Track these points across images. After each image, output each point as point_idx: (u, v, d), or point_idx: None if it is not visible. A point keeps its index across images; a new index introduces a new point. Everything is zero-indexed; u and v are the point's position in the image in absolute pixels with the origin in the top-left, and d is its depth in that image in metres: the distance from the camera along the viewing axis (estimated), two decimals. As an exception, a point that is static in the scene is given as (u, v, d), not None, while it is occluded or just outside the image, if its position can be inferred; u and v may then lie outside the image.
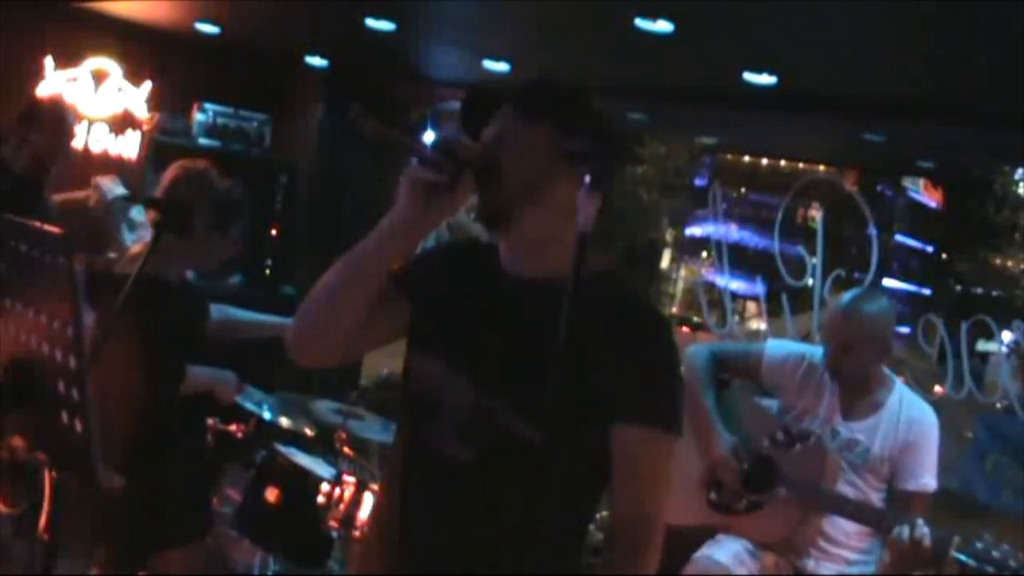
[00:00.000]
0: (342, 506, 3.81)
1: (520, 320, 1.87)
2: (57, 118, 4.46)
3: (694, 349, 3.53)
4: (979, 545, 2.86)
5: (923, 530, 2.90)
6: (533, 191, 1.83)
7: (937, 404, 3.72)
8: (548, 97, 1.93)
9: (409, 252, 1.89)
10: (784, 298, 6.03)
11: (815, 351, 3.40)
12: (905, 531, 2.92)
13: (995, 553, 2.85)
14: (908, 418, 3.23)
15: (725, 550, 3.30)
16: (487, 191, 1.83)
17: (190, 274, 3.61)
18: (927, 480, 3.21)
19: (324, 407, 4.37)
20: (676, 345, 1.90)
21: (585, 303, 1.60)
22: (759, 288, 6.60)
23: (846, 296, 3.36)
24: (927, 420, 3.26)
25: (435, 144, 1.81)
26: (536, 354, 1.80)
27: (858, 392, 3.27)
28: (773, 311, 6.29)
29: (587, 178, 1.64)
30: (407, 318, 1.97)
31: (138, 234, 4.26)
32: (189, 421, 3.33)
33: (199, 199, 3.11)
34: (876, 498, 3.23)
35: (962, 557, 2.86)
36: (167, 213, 2.98)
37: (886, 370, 3.32)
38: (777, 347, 3.52)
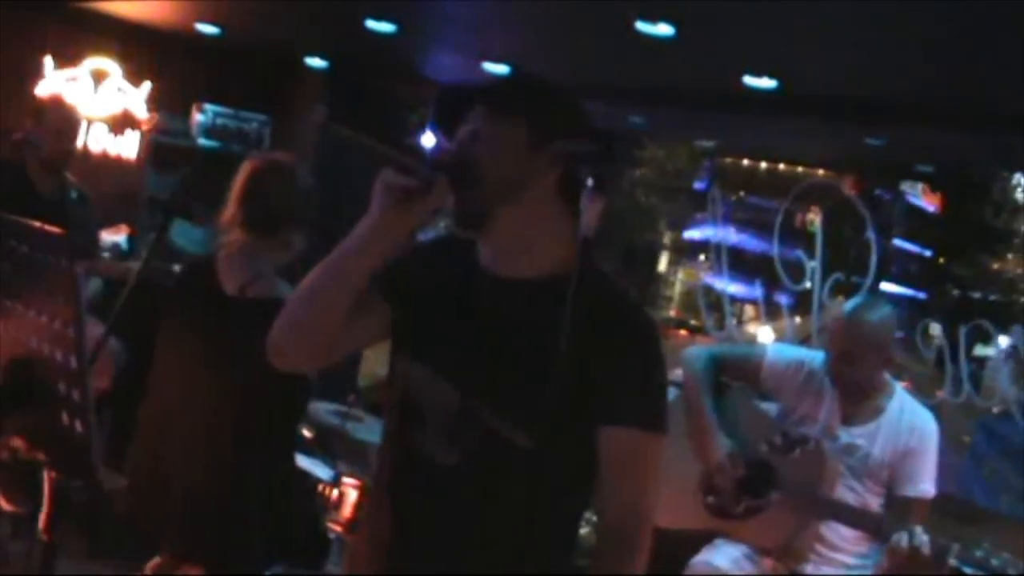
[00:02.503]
0: (341, 508, 3.80)
1: (501, 321, 1.85)
2: (63, 120, 4.47)
3: (693, 352, 3.52)
4: (978, 553, 2.86)
5: (922, 538, 2.90)
6: (509, 190, 1.81)
7: (935, 408, 3.72)
8: (522, 93, 1.90)
9: (387, 256, 1.86)
10: (783, 302, 6.03)
11: (815, 356, 3.40)
12: (904, 538, 2.91)
13: (994, 561, 2.85)
14: (909, 424, 3.23)
15: (723, 555, 3.30)
16: (462, 193, 1.80)
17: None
18: (926, 486, 3.21)
19: (322, 408, 4.36)
20: (661, 343, 1.89)
21: (571, 303, 1.60)
22: (758, 291, 6.59)
23: (848, 304, 3.36)
24: (927, 427, 3.25)
25: (407, 148, 1.78)
26: (519, 355, 1.81)
27: (859, 398, 3.27)
28: (772, 314, 6.29)
29: (590, 181, 1.64)
30: (387, 320, 1.95)
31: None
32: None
33: (288, 194, 2.94)
34: (875, 503, 3.23)
35: (961, 565, 2.86)
36: (250, 212, 2.88)
37: (887, 376, 3.32)
38: (777, 351, 3.52)
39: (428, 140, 7.23)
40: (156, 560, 3.03)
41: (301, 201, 2.98)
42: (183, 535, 2.93)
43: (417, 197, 1.78)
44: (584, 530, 2.08)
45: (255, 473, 2.92)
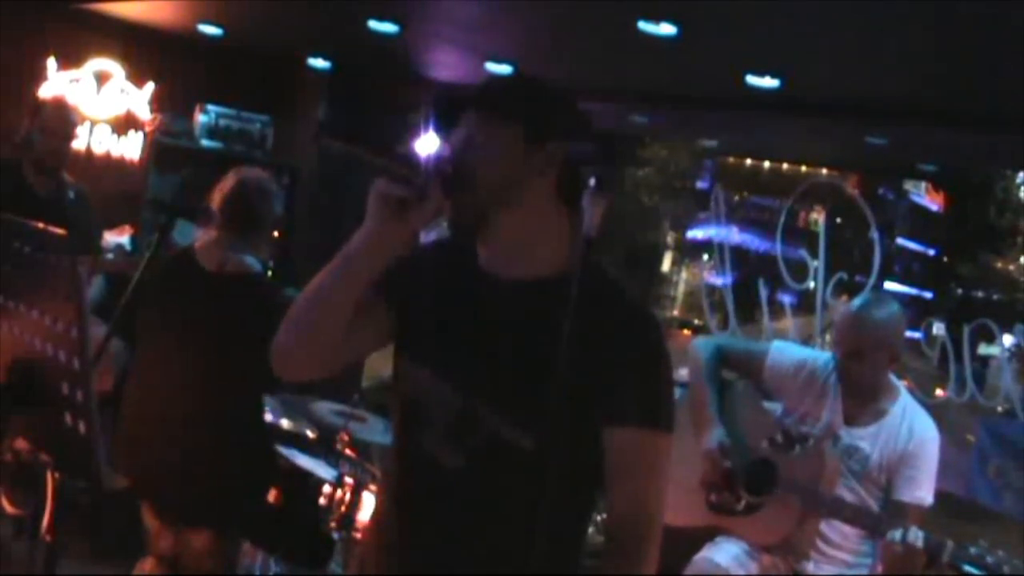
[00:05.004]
0: (343, 508, 3.81)
1: (503, 322, 1.85)
2: (56, 119, 4.46)
3: (700, 341, 3.55)
4: (973, 550, 2.85)
5: (917, 534, 2.90)
6: (506, 193, 1.81)
7: (939, 407, 3.71)
8: (515, 95, 1.90)
9: (385, 265, 1.85)
10: (786, 301, 6.04)
11: (819, 355, 3.40)
12: (899, 535, 2.91)
13: (989, 559, 2.84)
14: (909, 428, 3.21)
15: (724, 552, 3.30)
16: (459, 198, 1.80)
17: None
18: (923, 494, 3.17)
19: (325, 409, 4.36)
20: (664, 341, 1.88)
21: (572, 302, 1.60)
22: (761, 291, 6.59)
23: (856, 301, 3.34)
24: (928, 433, 3.23)
25: (401, 158, 1.78)
26: (520, 356, 1.81)
27: (864, 398, 3.25)
28: (775, 314, 6.28)
29: (592, 181, 1.64)
30: (390, 324, 1.95)
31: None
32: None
33: (268, 205, 3.40)
34: (874, 506, 3.22)
35: (956, 562, 2.86)
36: (230, 217, 3.29)
37: (893, 379, 3.31)
38: (781, 349, 3.50)
39: (428, 143, 7.24)
40: (148, 561, 3.12)
41: (273, 214, 3.45)
42: (175, 501, 3.17)
43: (412, 206, 1.78)
44: (591, 530, 2.08)
45: (236, 432, 3.25)
